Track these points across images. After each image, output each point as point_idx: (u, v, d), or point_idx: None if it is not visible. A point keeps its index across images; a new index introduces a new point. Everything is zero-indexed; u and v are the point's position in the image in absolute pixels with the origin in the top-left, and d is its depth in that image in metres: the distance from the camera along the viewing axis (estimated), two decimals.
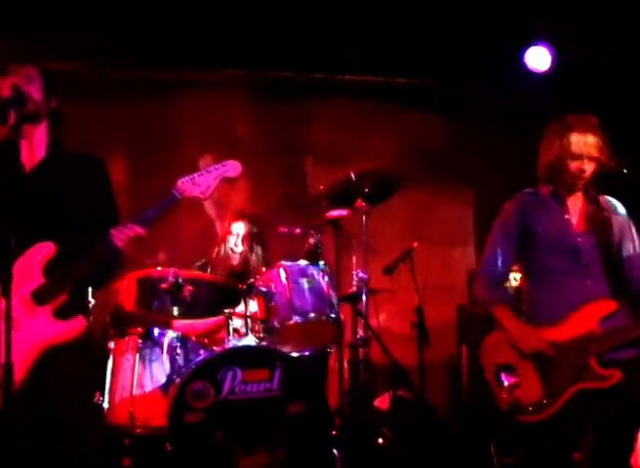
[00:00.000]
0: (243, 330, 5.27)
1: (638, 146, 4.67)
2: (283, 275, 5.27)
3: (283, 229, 5.88)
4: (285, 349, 5.22)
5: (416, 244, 6.05)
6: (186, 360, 5.14)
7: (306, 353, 5.49)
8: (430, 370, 6.20)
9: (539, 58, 7.15)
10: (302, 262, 5.40)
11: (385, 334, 5.99)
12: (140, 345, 5.15)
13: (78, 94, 6.57)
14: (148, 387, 5.08)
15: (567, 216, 4.16)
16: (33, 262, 3.55)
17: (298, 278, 5.28)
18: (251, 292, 5.28)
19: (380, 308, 6.01)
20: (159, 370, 5.14)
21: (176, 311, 5.25)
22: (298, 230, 5.84)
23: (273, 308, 5.20)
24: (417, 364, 5.92)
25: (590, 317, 3.95)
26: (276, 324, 5.16)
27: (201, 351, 5.19)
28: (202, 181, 3.75)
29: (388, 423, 5.81)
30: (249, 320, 5.23)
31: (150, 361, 5.17)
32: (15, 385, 3.12)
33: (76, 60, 7.03)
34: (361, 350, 5.67)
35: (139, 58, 7.20)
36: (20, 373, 3.28)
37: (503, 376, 3.98)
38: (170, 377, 5.06)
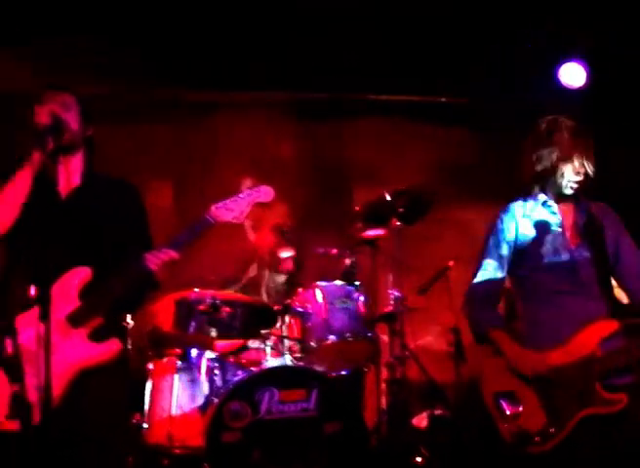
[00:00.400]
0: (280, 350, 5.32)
1: None
2: (319, 295, 5.33)
3: (320, 250, 5.93)
4: (321, 369, 5.26)
5: (451, 263, 6.05)
6: (224, 380, 5.20)
7: (343, 372, 5.52)
8: (468, 389, 6.18)
9: (573, 75, 7.10)
10: (338, 282, 5.44)
11: (422, 353, 6.01)
12: (179, 366, 5.23)
13: (119, 117, 6.70)
14: (187, 407, 5.15)
15: (560, 229, 3.93)
16: (69, 286, 3.62)
17: (334, 298, 5.33)
18: (287, 312, 5.32)
19: (417, 327, 6.02)
20: (197, 391, 5.21)
21: (213, 332, 5.31)
22: (334, 250, 5.89)
23: (310, 328, 5.25)
24: (454, 382, 5.91)
25: (591, 339, 3.72)
26: (313, 344, 5.21)
27: (239, 371, 5.24)
28: (235, 207, 3.79)
29: (426, 442, 5.80)
30: (285, 340, 5.27)
31: (188, 381, 5.24)
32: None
33: (116, 83, 7.11)
34: (398, 369, 5.68)
35: (179, 81, 7.29)
36: (54, 395, 3.34)
37: (504, 405, 3.77)
38: (208, 398, 5.12)
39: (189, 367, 5.28)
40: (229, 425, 4.76)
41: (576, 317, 3.79)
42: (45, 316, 3.20)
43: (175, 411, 5.10)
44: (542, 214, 3.98)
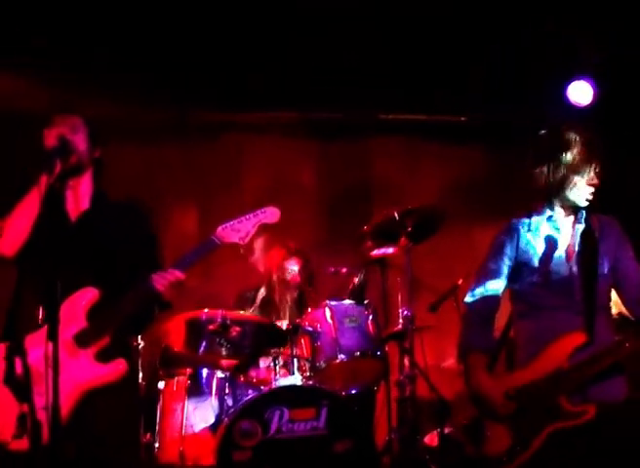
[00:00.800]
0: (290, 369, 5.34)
1: None
2: (328, 314, 5.35)
3: (331, 269, 5.97)
4: (331, 388, 5.27)
5: (461, 281, 6.05)
6: (235, 400, 5.23)
7: (353, 391, 5.54)
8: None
9: (581, 92, 7.11)
10: (347, 301, 5.46)
11: (432, 371, 6.01)
12: (190, 386, 5.26)
13: (124, 139, 6.76)
14: (198, 426, 5.18)
15: (561, 246, 3.85)
16: (77, 307, 3.66)
17: (343, 317, 5.35)
18: (297, 332, 5.35)
19: (427, 345, 6.02)
20: (208, 410, 5.24)
21: (224, 352, 5.34)
22: (344, 269, 5.93)
23: (319, 347, 5.27)
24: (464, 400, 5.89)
25: (559, 353, 3.65)
26: (322, 363, 5.23)
27: (249, 391, 5.27)
28: (241, 228, 3.83)
29: (437, 460, 5.80)
30: (295, 359, 5.30)
31: (199, 401, 5.27)
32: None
33: (130, 104, 7.19)
34: (408, 387, 5.68)
35: (187, 101, 7.37)
36: (62, 415, 3.37)
37: (470, 431, 3.78)
38: (219, 417, 5.16)
39: (200, 386, 5.31)
40: (240, 444, 4.79)
41: (563, 332, 3.71)
42: (53, 336, 3.25)
43: (186, 431, 5.12)
44: (546, 230, 3.91)
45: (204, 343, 5.34)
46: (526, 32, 6.74)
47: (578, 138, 3.82)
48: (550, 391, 3.63)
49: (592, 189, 3.82)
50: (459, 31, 6.76)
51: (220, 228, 3.83)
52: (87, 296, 3.69)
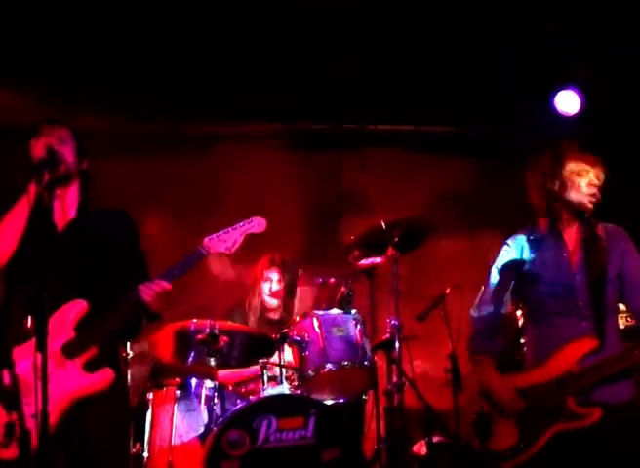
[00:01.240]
0: (278, 378, 5.36)
1: None
2: (316, 324, 5.34)
3: (318, 280, 5.98)
4: (319, 397, 5.28)
5: (448, 290, 6.09)
6: (224, 409, 5.24)
7: (341, 400, 5.55)
8: (465, 416, 6.20)
9: (568, 102, 7.15)
10: (335, 311, 5.48)
11: (420, 380, 6.04)
12: (178, 396, 5.27)
13: (114, 150, 6.79)
14: (187, 437, 5.18)
15: (565, 255, 3.98)
16: (66, 318, 3.69)
17: (330, 326, 5.35)
18: (285, 341, 5.36)
19: (415, 354, 6.04)
20: (197, 420, 5.25)
21: (212, 362, 5.34)
22: (332, 280, 5.94)
23: (307, 357, 5.26)
24: (451, 409, 5.93)
25: (570, 356, 3.81)
26: (310, 372, 5.22)
27: (237, 400, 5.29)
28: (228, 238, 3.88)
29: None
30: (283, 369, 5.32)
31: (188, 411, 5.28)
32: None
33: (115, 116, 7.22)
34: (396, 396, 5.70)
35: (174, 113, 7.40)
36: (50, 423, 3.39)
37: (477, 426, 3.95)
38: (207, 427, 5.15)
39: (189, 396, 5.33)
40: (228, 454, 4.79)
41: (567, 338, 3.87)
42: (42, 347, 3.27)
43: (175, 441, 5.13)
44: (549, 240, 4.04)
45: (193, 353, 5.36)
46: (517, 40, 6.78)
47: (577, 152, 3.98)
48: (559, 392, 3.77)
49: (594, 190, 3.94)
50: (443, 44, 6.79)
51: (206, 239, 3.87)
52: (75, 309, 3.72)
